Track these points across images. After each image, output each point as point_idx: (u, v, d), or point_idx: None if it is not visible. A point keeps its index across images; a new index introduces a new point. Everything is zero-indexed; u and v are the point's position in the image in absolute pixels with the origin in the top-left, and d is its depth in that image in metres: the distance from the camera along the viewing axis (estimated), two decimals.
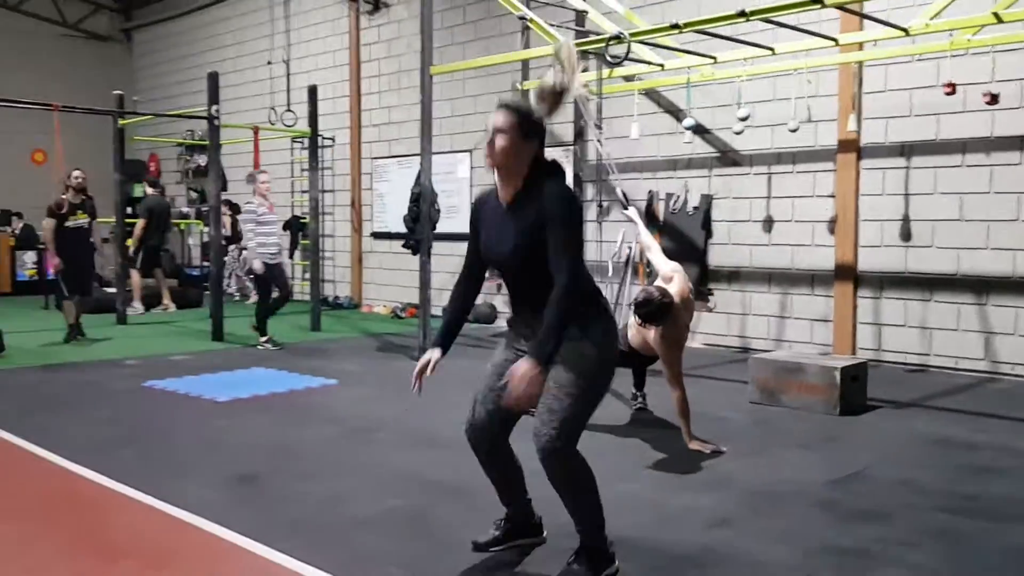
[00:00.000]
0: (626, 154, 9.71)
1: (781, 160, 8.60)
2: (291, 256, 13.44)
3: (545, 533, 3.33)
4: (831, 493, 4.16)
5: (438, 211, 9.09)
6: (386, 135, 12.69)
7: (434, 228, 8.41)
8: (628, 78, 8.92)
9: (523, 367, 2.76)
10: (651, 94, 9.40)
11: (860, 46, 7.65)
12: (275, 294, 8.78)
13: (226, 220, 12.02)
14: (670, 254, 9.18)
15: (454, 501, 3.96)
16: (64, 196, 8.84)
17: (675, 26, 6.35)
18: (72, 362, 7.87)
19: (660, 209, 9.50)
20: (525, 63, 9.34)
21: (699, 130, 9.00)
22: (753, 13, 6.04)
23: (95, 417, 5.71)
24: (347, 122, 13.18)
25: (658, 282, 5.21)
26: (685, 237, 9.31)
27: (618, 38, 6.48)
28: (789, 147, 8.44)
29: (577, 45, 6.86)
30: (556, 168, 2.96)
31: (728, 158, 8.99)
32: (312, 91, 10.47)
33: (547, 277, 2.85)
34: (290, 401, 6.29)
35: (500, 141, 2.87)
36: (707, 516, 3.81)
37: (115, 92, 10.89)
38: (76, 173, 8.94)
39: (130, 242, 11.59)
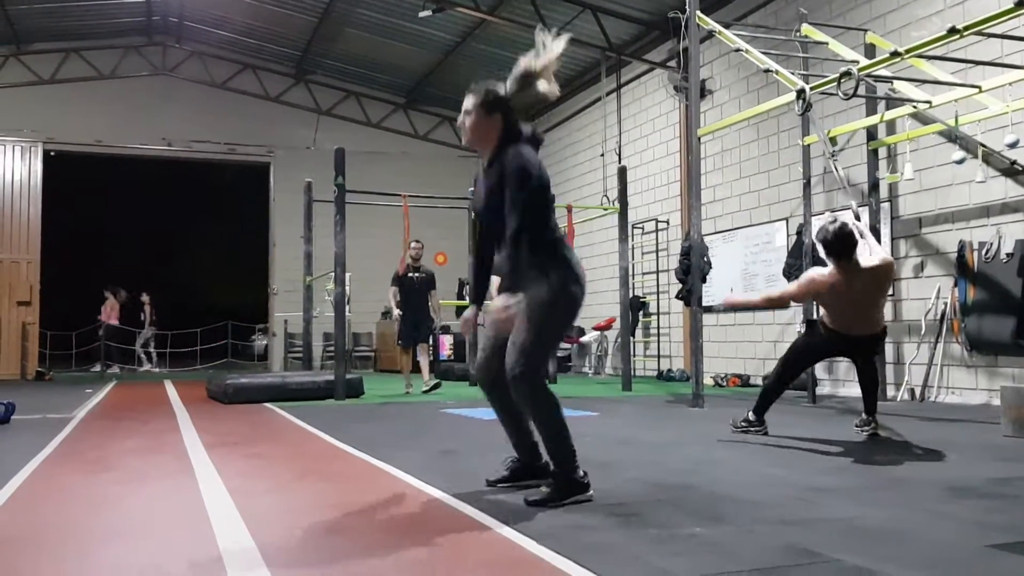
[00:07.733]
0: (937, 206, 9.28)
1: None
2: (632, 334, 14.33)
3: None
4: (978, 504, 3.90)
5: (708, 264, 9.44)
6: (711, 212, 13.25)
7: (704, 280, 8.78)
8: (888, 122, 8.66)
9: (500, 299, 3.42)
10: (956, 137, 8.94)
11: None
12: None
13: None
14: (983, 305, 8.63)
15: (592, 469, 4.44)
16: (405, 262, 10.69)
17: (953, 31, 6.13)
18: (406, 401, 9.50)
19: (972, 259, 8.86)
20: (805, 117, 9.45)
21: (1011, 172, 8.39)
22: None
23: (382, 424, 7.04)
24: (678, 205, 14.01)
25: None
26: (999, 287, 8.55)
27: (848, 74, 6.59)
28: None
29: (813, 88, 7.07)
30: (517, 135, 3.50)
31: None
32: (622, 172, 11.52)
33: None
34: None
35: (468, 121, 3.54)
36: (802, 484, 3.87)
37: (469, 189, 12.93)
38: (414, 245, 10.71)
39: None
